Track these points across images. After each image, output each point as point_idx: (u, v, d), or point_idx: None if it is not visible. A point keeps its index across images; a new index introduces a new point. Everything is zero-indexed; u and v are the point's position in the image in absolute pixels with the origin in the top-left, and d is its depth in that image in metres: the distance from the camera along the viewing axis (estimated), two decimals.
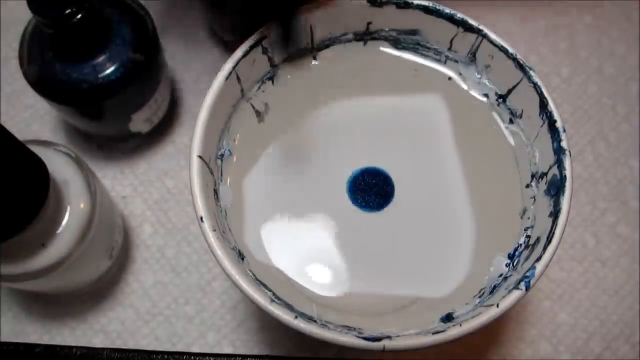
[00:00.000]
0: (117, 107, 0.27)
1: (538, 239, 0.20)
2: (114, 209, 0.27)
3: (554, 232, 0.19)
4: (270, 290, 0.20)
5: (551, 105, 0.21)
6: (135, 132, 0.29)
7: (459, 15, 0.22)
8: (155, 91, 0.28)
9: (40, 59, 0.25)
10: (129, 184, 0.31)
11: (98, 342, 0.28)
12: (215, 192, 0.21)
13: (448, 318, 0.20)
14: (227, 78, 0.21)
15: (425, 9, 0.22)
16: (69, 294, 0.28)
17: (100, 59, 0.25)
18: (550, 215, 0.20)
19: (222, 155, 0.22)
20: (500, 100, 0.23)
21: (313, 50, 0.23)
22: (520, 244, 0.21)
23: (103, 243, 0.26)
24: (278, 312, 0.18)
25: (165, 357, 0.26)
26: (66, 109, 0.26)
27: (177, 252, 0.30)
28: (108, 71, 0.25)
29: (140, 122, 0.29)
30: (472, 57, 0.23)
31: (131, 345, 0.28)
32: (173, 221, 0.30)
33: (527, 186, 0.22)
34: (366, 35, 0.23)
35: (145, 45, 0.26)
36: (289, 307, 0.19)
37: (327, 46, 0.24)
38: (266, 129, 0.23)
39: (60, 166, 0.24)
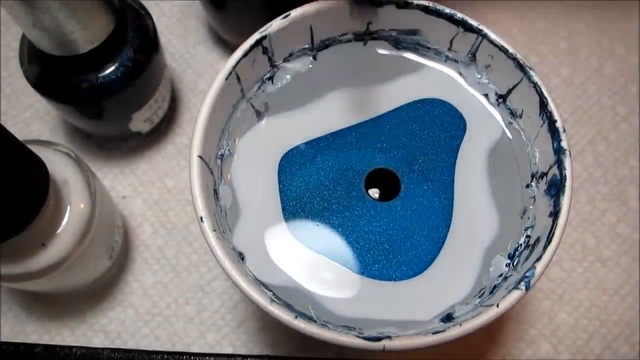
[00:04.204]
0: (117, 106, 0.27)
1: (538, 239, 0.20)
2: (114, 209, 0.27)
3: (554, 232, 0.19)
4: (270, 290, 0.20)
5: (551, 105, 0.21)
6: (136, 132, 0.29)
7: (459, 15, 0.22)
8: (156, 91, 0.28)
9: (40, 59, 0.25)
10: (129, 184, 0.31)
11: (98, 342, 0.28)
12: (215, 192, 0.21)
13: (448, 318, 0.20)
14: (227, 78, 0.21)
15: (425, 9, 0.22)
16: (69, 294, 0.28)
17: (101, 58, 0.25)
18: (550, 215, 0.20)
19: (222, 155, 0.22)
20: (500, 100, 0.23)
21: (313, 50, 0.23)
22: (520, 244, 0.21)
23: (103, 243, 0.26)
24: (278, 312, 0.18)
25: (165, 357, 0.26)
26: (66, 108, 0.26)
27: (177, 252, 0.30)
28: (108, 71, 0.25)
29: (140, 122, 0.29)
30: (472, 57, 0.23)
31: (131, 345, 0.28)
32: (173, 221, 0.30)
33: (527, 186, 0.22)
34: (366, 35, 0.23)
35: (146, 45, 0.26)
36: (289, 307, 0.19)
37: (327, 46, 0.24)
38: (266, 129, 0.23)
39: (60, 166, 0.24)
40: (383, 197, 0.22)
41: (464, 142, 0.22)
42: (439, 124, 0.23)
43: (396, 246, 0.21)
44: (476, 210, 0.21)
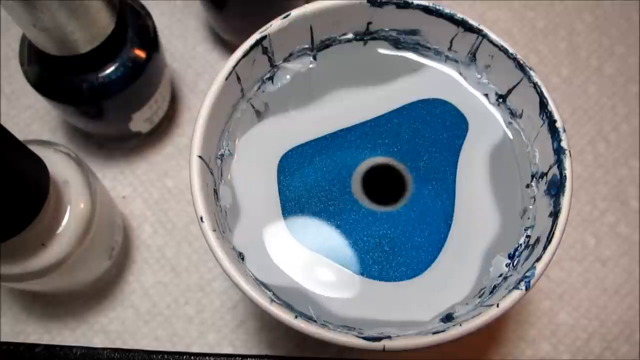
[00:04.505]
0: (117, 106, 0.27)
1: (538, 239, 0.20)
2: (114, 209, 0.27)
3: (554, 232, 0.19)
4: (270, 290, 0.20)
5: (551, 105, 0.21)
6: (136, 131, 0.29)
7: (459, 15, 0.22)
8: (156, 91, 0.28)
9: (40, 59, 0.25)
10: (129, 184, 0.31)
11: (98, 342, 0.28)
12: (215, 192, 0.21)
13: (448, 318, 0.20)
14: (227, 78, 0.21)
15: (425, 9, 0.22)
16: (69, 294, 0.28)
17: (101, 58, 0.25)
18: (550, 215, 0.20)
19: (222, 155, 0.22)
20: (500, 100, 0.23)
21: (313, 50, 0.23)
22: (520, 244, 0.21)
23: (103, 243, 0.26)
24: (278, 312, 0.18)
25: (165, 357, 0.26)
26: (66, 108, 0.26)
27: (177, 252, 0.30)
28: (108, 71, 0.25)
29: (140, 122, 0.29)
30: (472, 57, 0.23)
31: (131, 345, 0.28)
32: (173, 221, 0.30)
33: (527, 186, 0.22)
34: (366, 35, 0.23)
35: (146, 45, 0.26)
36: (289, 307, 0.19)
37: (327, 46, 0.24)
38: (266, 129, 0.23)
39: (60, 166, 0.24)
40: (385, 198, 0.22)
41: (466, 141, 0.22)
42: (441, 123, 0.23)
43: (396, 248, 0.21)
44: (477, 211, 0.21)
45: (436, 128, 0.23)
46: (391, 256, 0.21)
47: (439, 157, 0.22)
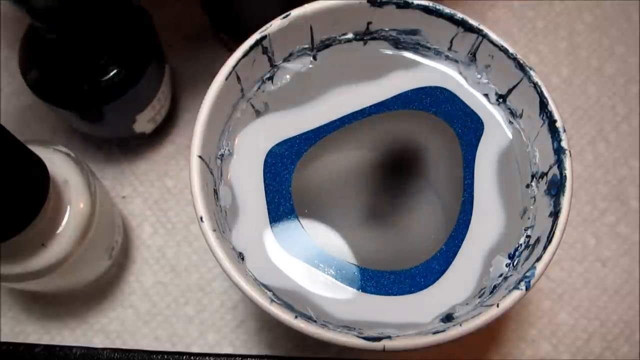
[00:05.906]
0: (119, 109, 0.27)
1: (538, 239, 0.20)
2: (114, 209, 0.27)
3: (554, 232, 0.19)
4: (270, 290, 0.20)
5: (551, 105, 0.21)
6: (140, 132, 0.29)
7: (459, 15, 0.22)
8: (158, 92, 0.28)
9: (41, 63, 0.25)
10: (129, 184, 0.31)
11: (98, 342, 0.28)
12: (215, 192, 0.21)
13: (448, 318, 0.20)
14: (227, 78, 0.21)
15: (425, 9, 0.22)
16: (69, 294, 0.28)
17: (101, 61, 0.25)
18: (551, 215, 0.20)
19: (222, 155, 0.22)
20: (501, 100, 0.23)
21: (313, 50, 0.23)
22: (521, 244, 0.21)
23: (103, 243, 0.26)
24: (278, 312, 0.18)
25: (165, 357, 0.26)
26: (67, 113, 0.26)
27: (177, 252, 0.30)
28: (110, 74, 0.25)
29: (144, 123, 0.29)
30: (472, 57, 0.23)
31: (131, 345, 0.28)
32: (173, 221, 0.30)
33: (527, 186, 0.22)
34: (366, 35, 0.23)
35: (146, 45, 0.26)
36: (289, 307, 0.19)
37: (327, 46, 0.24)
38: (265, 129, 0.23)
39: (60, 166, 0.24)
40: (388, 201, 0.22)
41: (482, 139, 0.22)
42: (458, 107, 0.22)
43: (398, 277, 0.20)
44: (488, 216, 0.21)
45: (453, 109, 0.22)
46: (392, 282, 0.20)
47: (438, 161, 0.22)
